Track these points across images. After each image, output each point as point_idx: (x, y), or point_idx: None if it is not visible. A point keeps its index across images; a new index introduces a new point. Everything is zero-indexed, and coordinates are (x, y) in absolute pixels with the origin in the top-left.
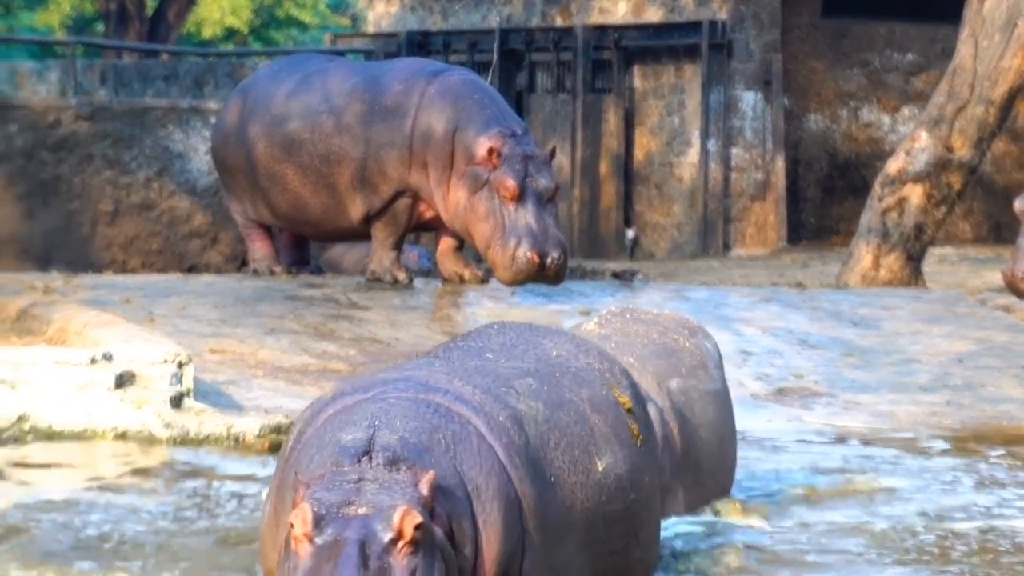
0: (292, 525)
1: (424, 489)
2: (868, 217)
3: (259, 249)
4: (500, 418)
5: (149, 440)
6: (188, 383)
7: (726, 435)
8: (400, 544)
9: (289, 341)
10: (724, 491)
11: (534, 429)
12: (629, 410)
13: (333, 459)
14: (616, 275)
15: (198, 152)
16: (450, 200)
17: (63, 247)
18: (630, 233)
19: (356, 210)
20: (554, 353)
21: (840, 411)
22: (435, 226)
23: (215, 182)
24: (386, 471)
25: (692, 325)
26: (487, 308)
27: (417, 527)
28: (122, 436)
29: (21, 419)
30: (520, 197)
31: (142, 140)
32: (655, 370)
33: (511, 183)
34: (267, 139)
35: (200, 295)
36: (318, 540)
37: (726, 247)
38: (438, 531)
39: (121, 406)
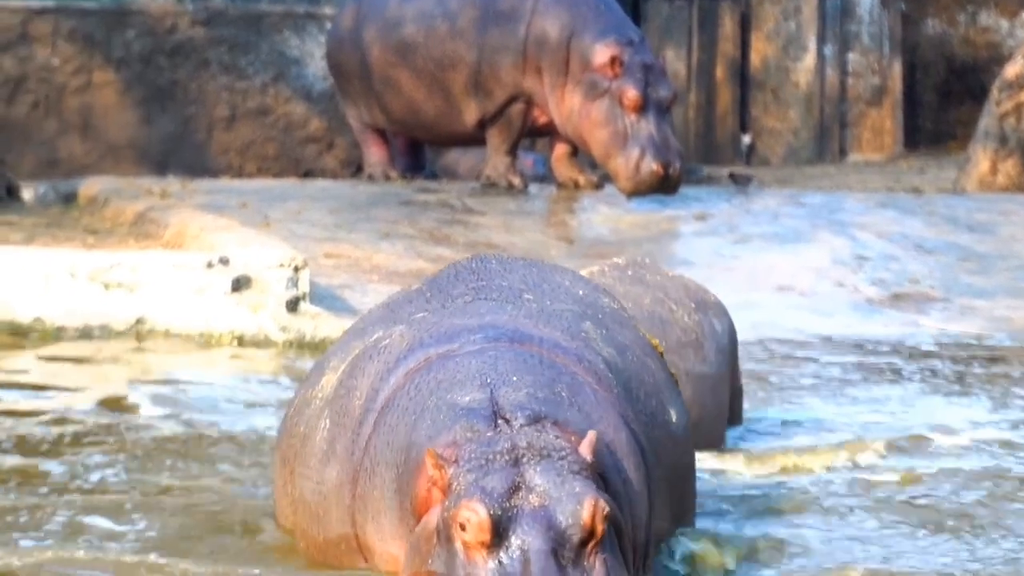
0: (461, 526)
1: (588, 453)
2: (985, 122)
3: (374, 154)
4: (600, 366)
5: (265, 343)
6: (304, 287)
7: (704, 421)
8: (592, 544)
9: (404, 246)
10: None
11: (621, 378)
12: (662, 353)
13: (461, 423)
14: (733, 176)
15: (314, 58)
16: (564, 106)
17: (180, 153)
18: (746, 139)
19: (470, 115)
20: (580, 292)
21: (956, 316)
22: (549, 132)
23: (331, 87)
24: (535, 433)
25: (707, 299)
26: (602, 213)
27: (606, 518)
28: (238, 339)
29: (139, 322)
30: (642, 107)
31: (258, 46)
32: None
33: (635, 93)
34: (382, 43)
35: (316, 200)
36: (502, 556)
37: (842, 153)
38: (614, 504)
39: (237, 310)
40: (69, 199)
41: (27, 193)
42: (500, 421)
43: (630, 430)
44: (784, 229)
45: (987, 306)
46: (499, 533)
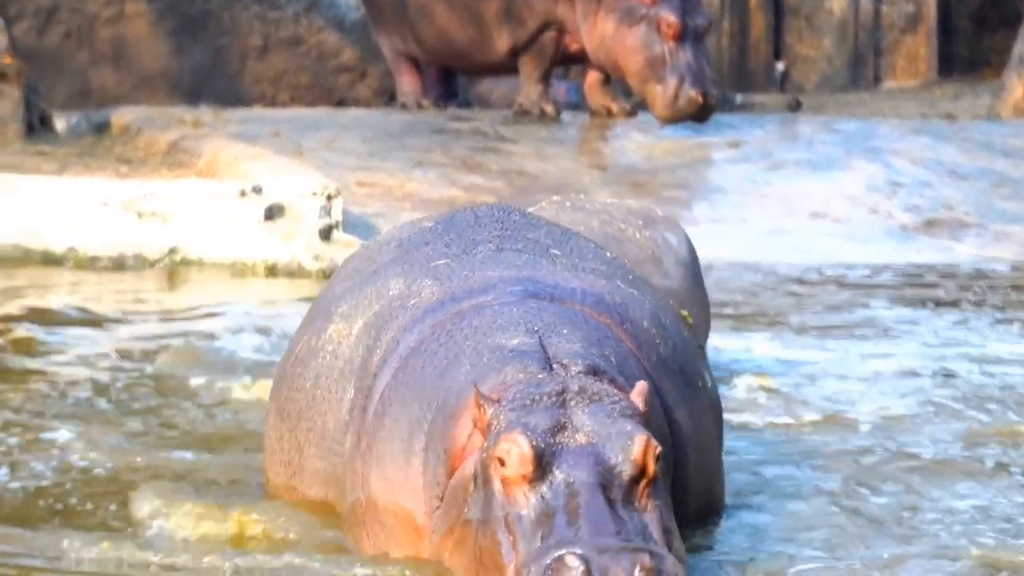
0: (500, 460)
1: (641, 403)
2: (1020, 48)
3: (407, 83)
4: (640, 332)
5: (298, 272)
6: (337, 215)
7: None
8: (643, 483)
9: (437, 174)
10: None
11: (656, 346)
12: (690, 325)
13: (514, 364)
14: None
15: None
16: (597, 33)
17: (212, 82)
18: (779, 66)
19: (502, 43)
20: (606, 254)
21: (990, 242)
22: (581, 59)
23: (363, 17)
24: (590, 380)
25: (654, 215)
26: (635, 141)
27: (658, 459)
28: (271, 268)
29: (172, 251)
30: (681, 34)
31: None
32: None
33: (674, 20)
34: None
35: (348, 128)
36: (542, 486)
37: (876, 80)
38: (665, 461)
39: (270, 239)
40: (102, 129)
41: (60, 123)
42: (556, 365)
43: (662, 404)
44: (818, 156)
45: (1021, 231)
46: (542, 466)
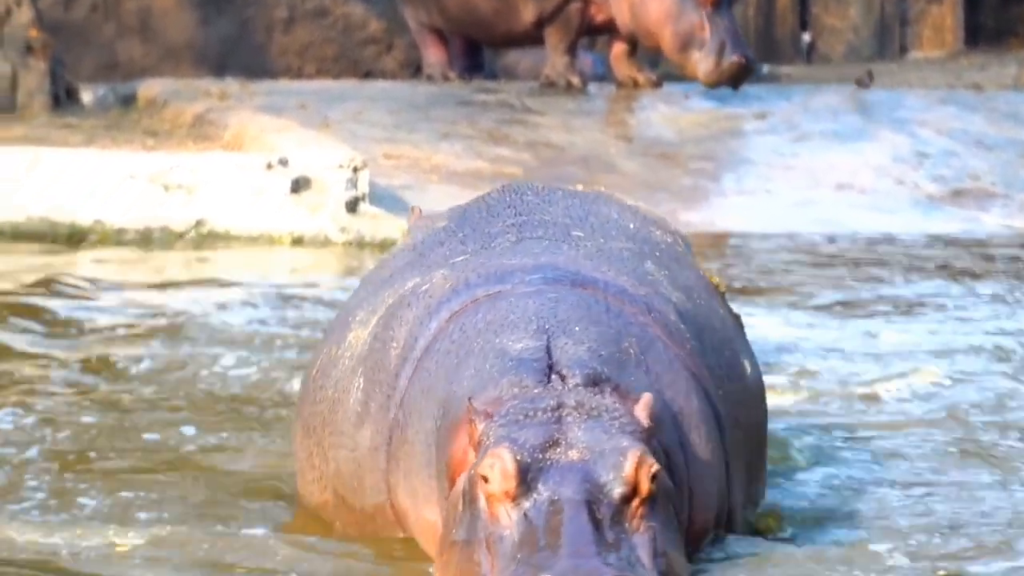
0: (484, 478)
1: (644, 418)
2: None
3: (433, 55)
4: (672, 317)
5: (324, 244)
6: (363, 187)
7: None
8: (636, 503)
9: (463, 146)
10: None
11: (692, 328)
12: (723, 293)
13: (510, 376)
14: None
15: None
16: (627, 2)
17: (238, 54)
18: (806, 36)
19: (528, 13)
20: (631, 226)
21: (1016, 212)
22: (607, 30)
23: None
24: (589, 393)
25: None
26: (661, 112)
27: (654, 477)
28: (298, 241)
29: (199, 224)
30: (718, 1)
31: None
32: None
33: None
34: None
35: (375, 100)
36: (526, 503)
37: (903, 50)
38: (666, 478)
39: (297, 211)
40: (128, 101)
41: (86, 96)
42: (554, 376)
43: (704, 394)
44: (844, 127)
45: None
46: (526, 482)
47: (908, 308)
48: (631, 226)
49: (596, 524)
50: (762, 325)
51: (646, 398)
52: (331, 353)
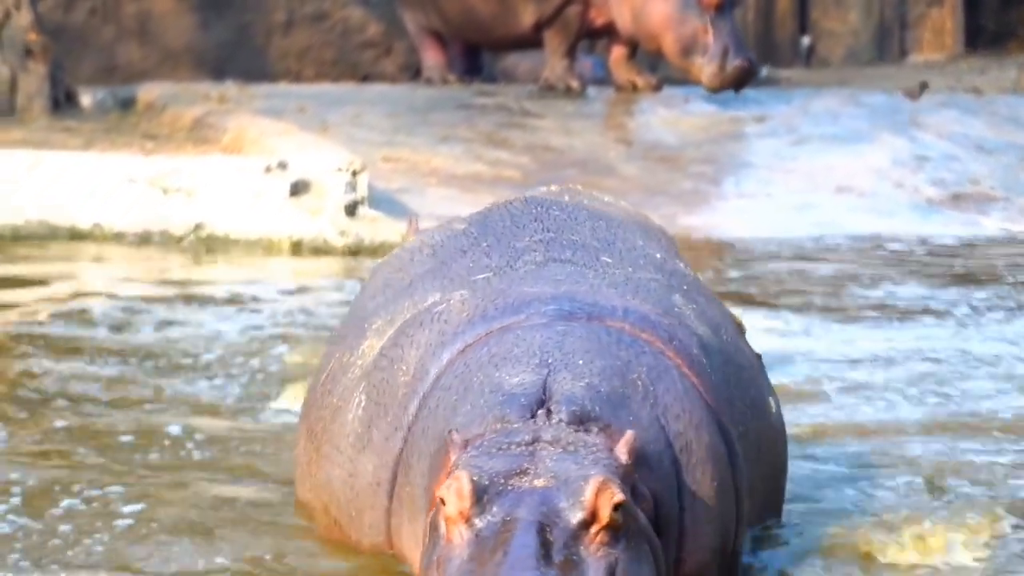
0: (442, 501)
1: (623, 455)
2: None
3: (431, 58)
4: (694, 350)
5: (324, 248)
6: (362, 191)
7: None
8: (594, 529)
9: (462, 149)
10: None
11: (716, 362)
12: (743, 330)
13: (495, 412)
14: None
15: None
16: (628, 6)
17: (237, 58)
18: (805, 40)
19: (527, 16)
20: (657, 256)
21: (1016, 216)
22: (606, 34)
23: None
24: (571, 431)
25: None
26: (660, 116)
27: (617, 506)
28: (297, 244)
29: (198, 227)
30: (721, 5)
31: None
32: None
33: None
34: None
35: (373, 104)
36: (478, 522)
37: (903, 53)
38: (641, 516)
39: (296, 214)
40: (127, 105)
41: (85, 99)
42: (540, 412)
43: (719, 428)
44: (843, 130)
45: None
46: (482, 503)
47: (906, 312)
48: (657, 255)
49: (545, 544)
50: (761, 326)
51: (628, 436)
52: (343, 360)
